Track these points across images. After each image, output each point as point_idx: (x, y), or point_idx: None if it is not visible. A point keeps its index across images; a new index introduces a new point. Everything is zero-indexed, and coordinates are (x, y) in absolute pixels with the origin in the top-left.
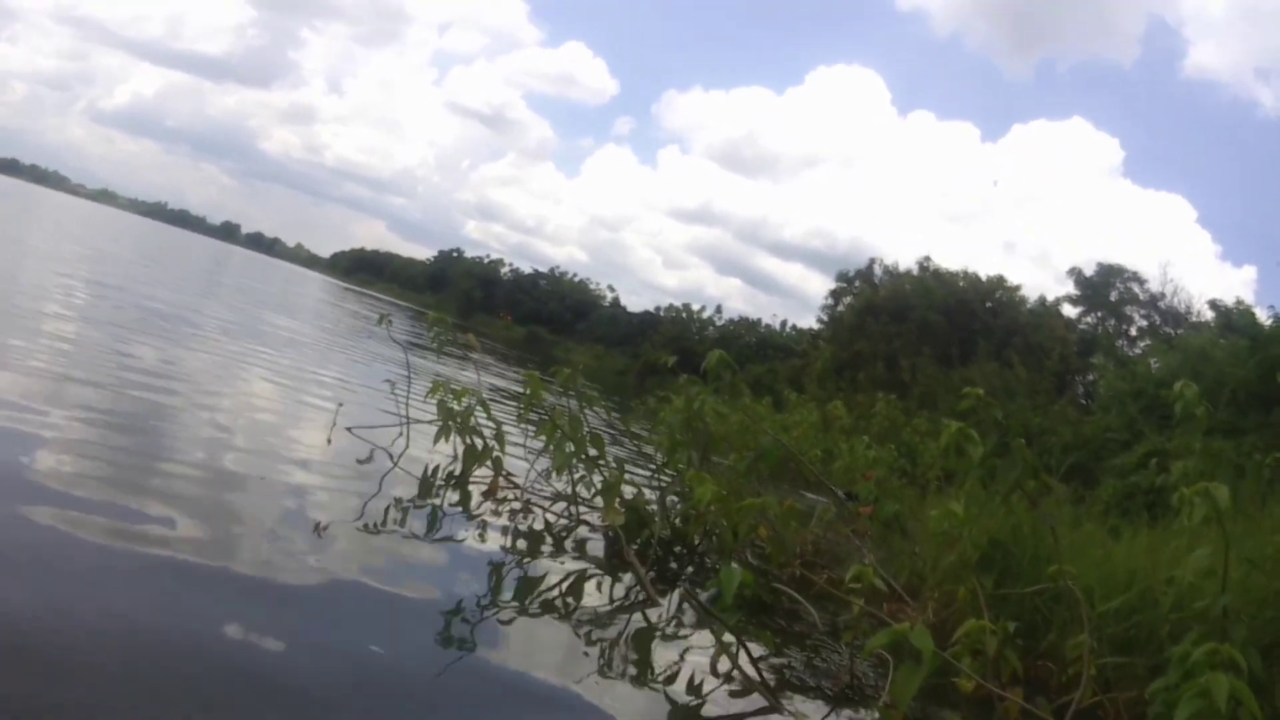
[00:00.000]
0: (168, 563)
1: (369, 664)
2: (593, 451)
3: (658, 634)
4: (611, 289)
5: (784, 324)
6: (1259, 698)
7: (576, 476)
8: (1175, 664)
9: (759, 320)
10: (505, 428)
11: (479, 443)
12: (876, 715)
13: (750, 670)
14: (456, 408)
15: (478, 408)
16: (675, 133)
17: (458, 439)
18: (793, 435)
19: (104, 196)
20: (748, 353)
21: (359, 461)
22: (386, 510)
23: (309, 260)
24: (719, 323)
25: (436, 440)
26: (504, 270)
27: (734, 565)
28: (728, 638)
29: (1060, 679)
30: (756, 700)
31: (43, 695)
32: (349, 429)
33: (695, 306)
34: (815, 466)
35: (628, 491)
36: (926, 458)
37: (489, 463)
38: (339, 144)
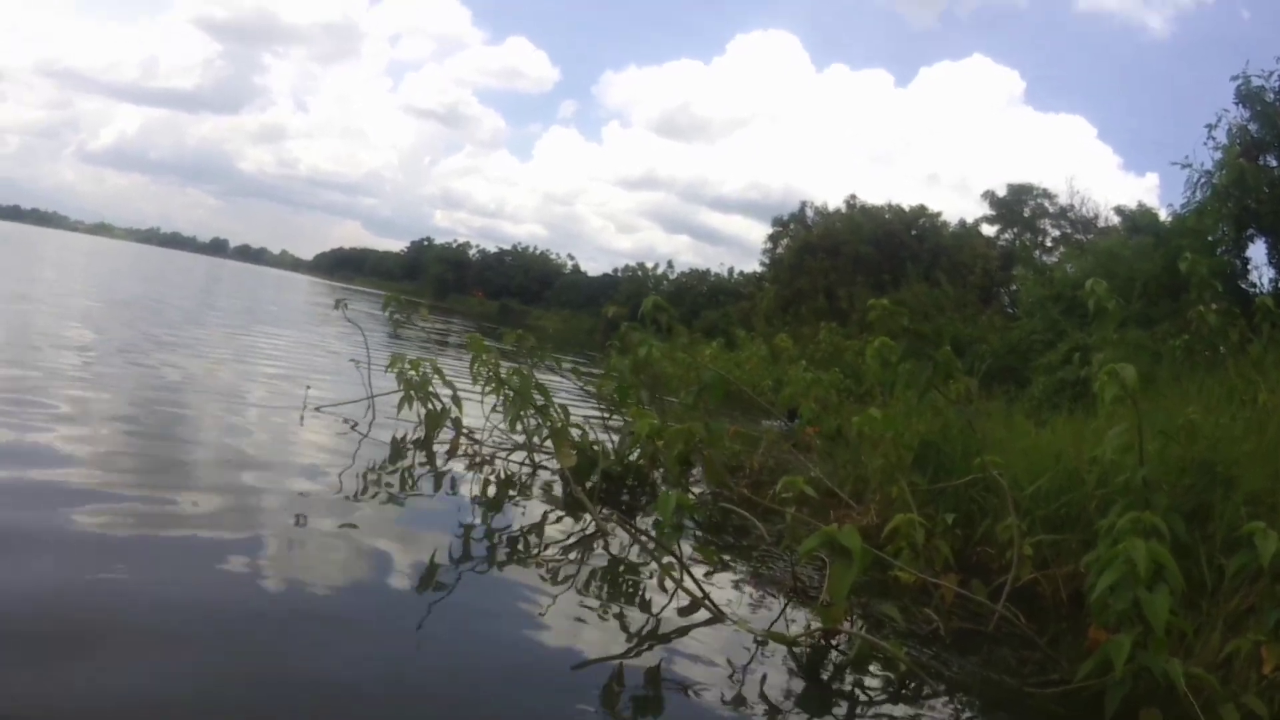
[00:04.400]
0: (174, 539)
1: (352, 625)
2: (540, 401)
3: (614, 563)
4: (571, 257)
5: (731, 271)
6: (1185, 560)
7: (531, 426)
8: (1103, 536)
9: (708, 270)
10: (463, 389)
11: (438, 406)
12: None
13: (694, 587)
14: (415, 377)
15: (434, 375)
16: (615, 109)
17: (420, 406)
18: (745, 369)
19: (102, 230)
20: (701, 301)
21: (338, 432)
22: (362, 479)
23: (294, 264)
24: (672, 277)
25: (400, 409)
26: (472, 252)
27: (670, 490)
28: (667, 559)
29: (1000, 562)
30: (705, 614)
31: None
32: (319, 408)
33: (649, 265)
34: (766, 395)
35: (576, 434)
36: (868, 375)
37: (450, 423)
38: (309, 156)
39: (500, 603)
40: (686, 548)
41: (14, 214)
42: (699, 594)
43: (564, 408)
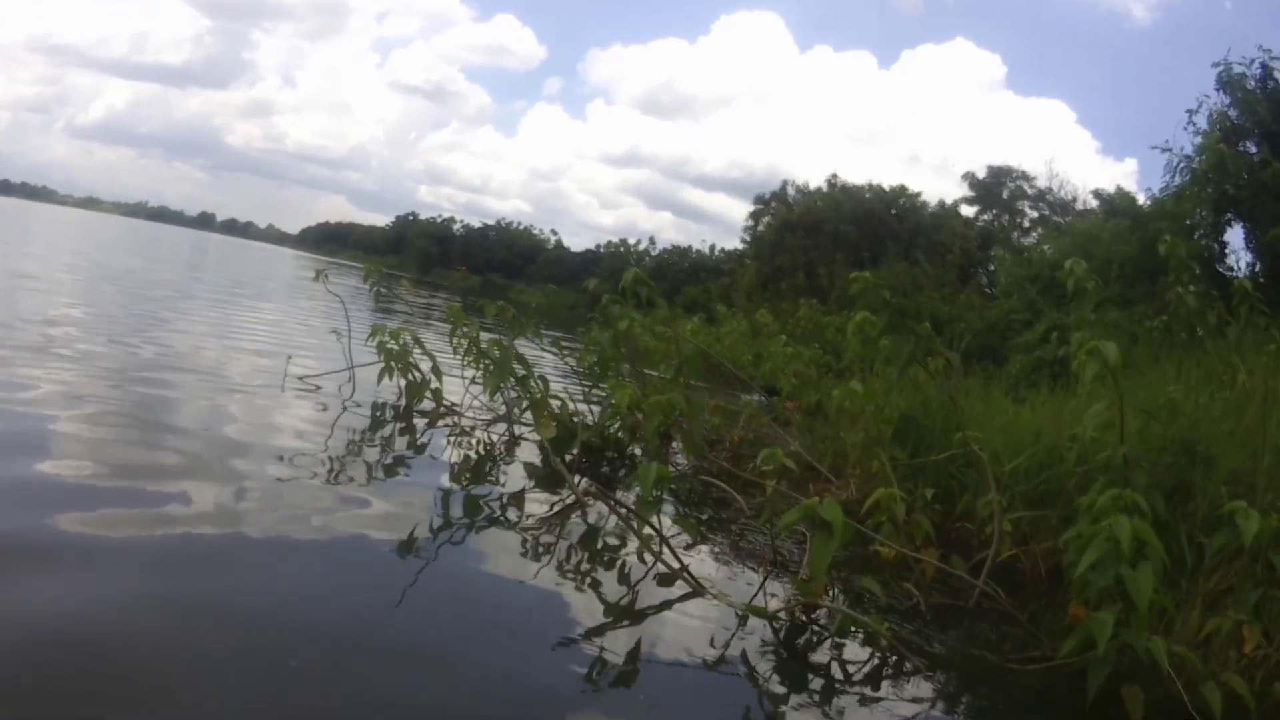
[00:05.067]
0: (148, 500)
1: (324, 595)
2: (520, 372)
3: (593, 534)
4: (554, 233)
5: (713, 248)
6: (1164, 537)
7: (511, 397)
8: (1083, 513)
9: (690, 247)
10: (443, 360)
11: (418, 377)
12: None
13: (673, 560)
14: (395, 347)
15: (414, 346)
16: (600, 87)
17: (400, 376)
18: (725, 344)
19: (90, 203)
20: (682, 277)
21: (318, 402)
22: (341, 448)
23: (280, 238)
24: (654, 253)
25: (380, 379)
26: (456, 227)
27: (649, 462)
28: (646, 531)
29: (979, 537)
30: (684, 586)
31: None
32: (301, 378)
33: (631, 241)
34: (746, 370)
35: (555, 406)
36: (848, 351)
37: (430, 394)
38: (296, 131)
39: (478, 573)
40: (666, 520)
41: (3, 188)
42: (678, 566)
43: (544, 379)
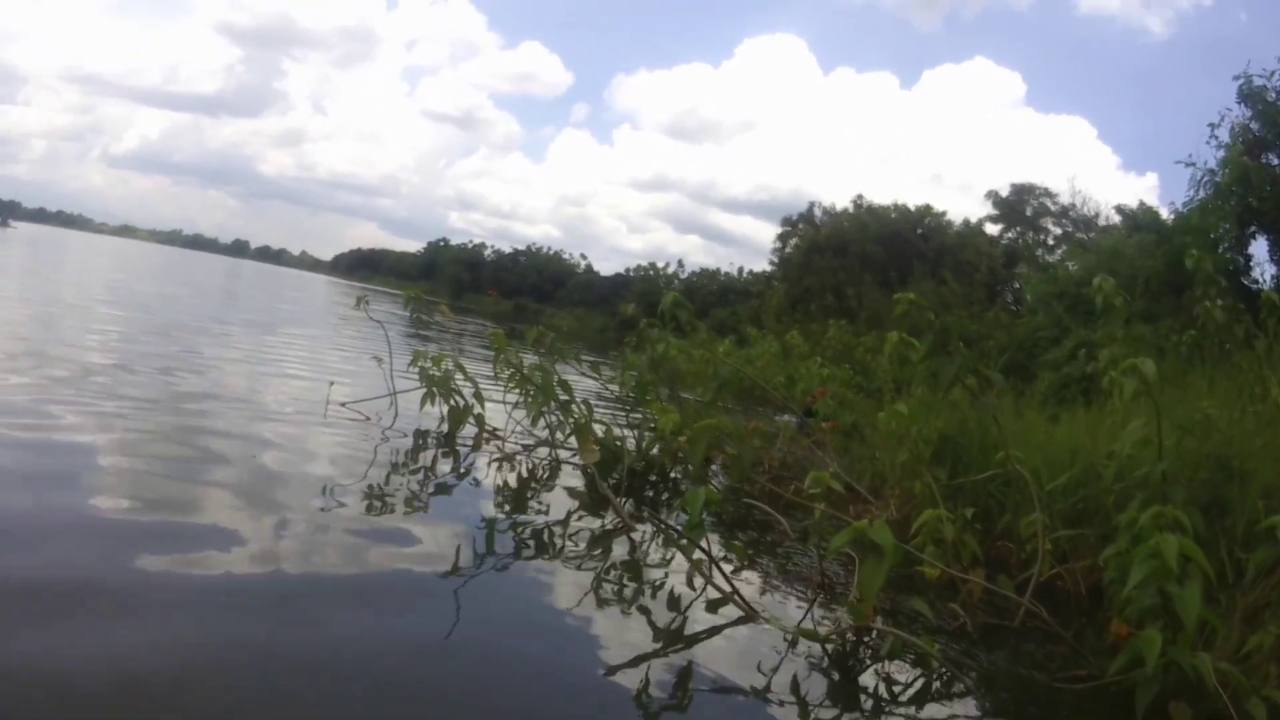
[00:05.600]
0: (195, 526)
1: (373, 622)
2: (563, 396)
3: (640, 559)
4: (584, 257)
5: (741, 270)
6: (1204, 553)
7: (553, 422)
8: (1123, 530)
9: (718, 270)
10: (485, 386)
11: (460, 403)
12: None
13: (724, 584)
14: (436, 373)
15: (456, 371)
16: (626, 112)
17: (442, 402)
18: (757, 366)
19: (125, 231)
20: (711, 299)
21: (361, 429)
22: (385, 474)
23: (313, 265)
24: (683, 276)
25: (423, 405)
26: (487, 252)
27: (698, 487)
28: (697, 555)
29: (1019, 556)
30: (734, 611)
31: None
32: (343, 404)
33: (660, 264)
34: (779, 391)
35: (599, 430)
36: (878, 371)
37: (473, 420)
38: (328, 159)
39: (525, 599)
40: (713, 544)
41: (40, 216)
42: (729, 590)
43: (586, 403)
